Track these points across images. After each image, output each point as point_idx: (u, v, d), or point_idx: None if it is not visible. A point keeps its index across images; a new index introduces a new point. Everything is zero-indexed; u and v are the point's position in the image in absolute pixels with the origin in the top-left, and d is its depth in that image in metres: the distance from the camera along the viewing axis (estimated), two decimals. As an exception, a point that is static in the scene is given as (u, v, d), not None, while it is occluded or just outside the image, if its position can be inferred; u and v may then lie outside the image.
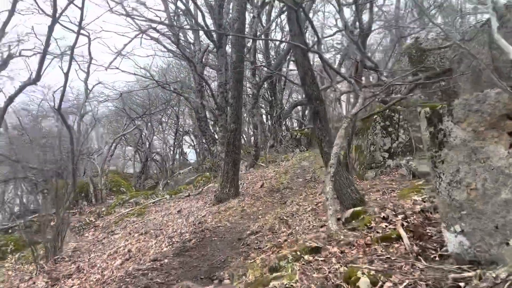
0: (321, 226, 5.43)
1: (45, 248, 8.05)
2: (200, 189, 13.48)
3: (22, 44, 13.75)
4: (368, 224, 4.37)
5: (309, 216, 6.30)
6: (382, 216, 4.38)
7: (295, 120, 30.23)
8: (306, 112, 28.01)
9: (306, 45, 4.84)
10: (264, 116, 21.92)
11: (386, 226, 4.22)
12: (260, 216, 7.45)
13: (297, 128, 27.22)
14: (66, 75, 7.70)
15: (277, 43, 17.82)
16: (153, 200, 13.40)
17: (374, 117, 8.74)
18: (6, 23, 10.23)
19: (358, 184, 7.86)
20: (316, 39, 5.83)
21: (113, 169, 21.46)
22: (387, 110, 8.60)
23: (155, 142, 30.60)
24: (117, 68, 12.95)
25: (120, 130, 18.52)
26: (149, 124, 23.35)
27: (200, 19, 13.71)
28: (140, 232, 8.49)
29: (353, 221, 4.82)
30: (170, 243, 6.26)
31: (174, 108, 22.85)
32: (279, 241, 5.17)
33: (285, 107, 22.68)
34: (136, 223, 10.74)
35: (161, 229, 8.22)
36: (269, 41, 16.29)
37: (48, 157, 14.76)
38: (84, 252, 8.73)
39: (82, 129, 13.95)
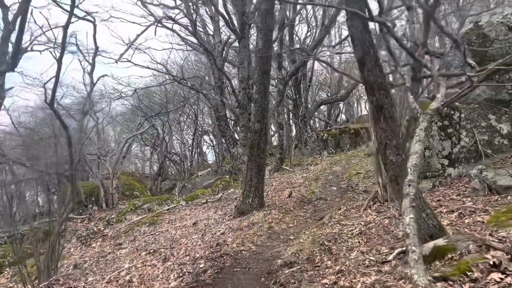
0: (383, 262, 3.98)
1: (37, 268, 6.83)
2: (219, 195, 12.17)
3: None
4: (468, 274, 2.91)
5: (359, 242, 4.86)
6: (491, 263, 2.91)
7: (319, 120, 28.66)
8: (332, 111, 26.46)
9: (369, 11, 3.41)
10: (286, 116, 20.43)
11: (501, 279, 2.76)
12: (292, 237, 6.04)
13: (322, 129, 25.68)
14: (59, 61, 6.49)
15: (303, 34, 16.31)
16: (168, 207, 12.15)
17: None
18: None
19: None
20: (378, 6, 4.42)
21: (129, 171, 20.37)
22: (445, 108, 7.07)
23: (173, 142, 29.61)
24: (129, 61, 11.77)
25: (134, 129, 17.39)
26: (167, 123, 22.24)
27: (220, 7, 12.37)
28: (148, 250, 7.20)
29: (438, 263, 3.37)
30: (180, 274, 4.92)
31: (193, 106, 21.64)
32: (326, 284, 3.75)
33: (310, 106, 21.20)
34: (147, 235, 9.50)
35: (173, 247, 6.91)
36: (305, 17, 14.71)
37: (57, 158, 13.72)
38: (84, 271, 7.51)
39: (90, 127, 12.80)
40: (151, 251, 7.04)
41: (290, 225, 6.77)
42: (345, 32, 21.66)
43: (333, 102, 22.32)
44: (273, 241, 6.00)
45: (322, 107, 26.46)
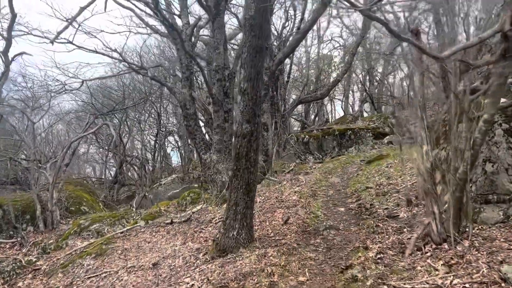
0: None
1: None
2: (188, 213, 9.75)
3: None
4: None
5: None
6: None
7: (294, 120, 26.57)
8: (311, 110, 24.51)
9: None
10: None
11: None
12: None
13: (297, 130, 23.63)
14: None
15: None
16: (121, 230, 9.55)
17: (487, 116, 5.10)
18: None
19: (476, 238, 4.30)
20: None
21: (77, 179, 17.35)
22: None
23: (134, 143, 26.62)
24: (71, 43, 9.07)
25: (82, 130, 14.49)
26: (125, 122, 19.42)
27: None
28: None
29: None
30: None
31: (155, 104, 18.94)
32: None
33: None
34: (89, 276, 6.94)
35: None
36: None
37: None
38: None
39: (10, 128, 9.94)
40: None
41: (301, 278, 4.46)
42: None
43: (312, 101, 20.29)
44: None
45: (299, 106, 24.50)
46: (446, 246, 4.26)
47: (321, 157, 14.69)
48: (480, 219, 4.84)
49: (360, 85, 29.87)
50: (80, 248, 8.90)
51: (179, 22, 11.36)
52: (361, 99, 27.89)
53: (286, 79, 18.76)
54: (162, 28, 11.43)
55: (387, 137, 15.34)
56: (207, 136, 11.19)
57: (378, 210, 6.53)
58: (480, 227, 4.64)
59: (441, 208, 4.38)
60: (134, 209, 12.01)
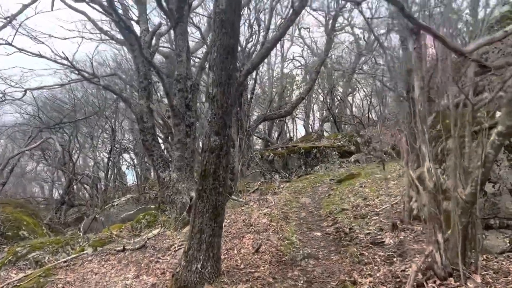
0: None
1: None
2: (144, 238, 8.70)
3: None
4: None
5: None
6: None
7: (257, 138, 25.91)
8: (274, 128, 24.02)
9: None
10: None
11: None
12: None
13: (260, 148, 22.96)
14: None
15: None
16: (65, 259, 8.30)
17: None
18: None
19: (486, 272, 3.71)
20: None
21: (18, 199, 15.59)
22: None
23: (87, 161, 24.88)
24: (10, 44, 7.88)
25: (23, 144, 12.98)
26: (76, 137, 17.93)
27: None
28: None
29: None
30: None
31: (110, 119, 17.64)
32: None
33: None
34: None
35: None
36: None
37: None
38: None
39: None
40: None
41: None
42: None
43: (276, 118, 19.76)
44: None
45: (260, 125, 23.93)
46: (452, 281, 3.61)
47: (287, 176, 14.04)
48: (483, 247, 4.26)
49: (320, 104, 29.95)
50: (14, 282, 7.60)
51: (137, 29, 10.46)
52: (322, 118, 27.87)
53: (250, 95, 18.14)
54: (118, 35, 10.47)
55: (353, 155, 14.98)
56: (166, 153, 10.20)
57: (359, 235, 5.86)
58: (485, 257, 4.04)
59: (447, 237, 3.75)
60: (81, 234, 10.69)
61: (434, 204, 3.72)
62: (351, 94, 28.11)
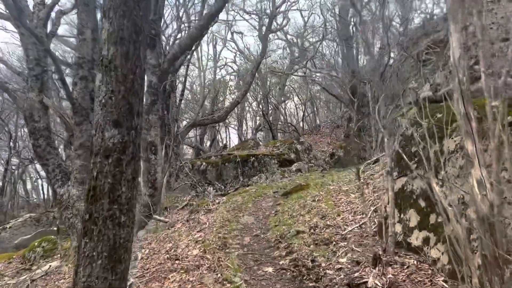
0: None
1: None
2: (33, 274, 6.46)
3: None
4: None
5: None
6: None
7: (187, 146, 23.77)
8: (206, 136, 22.16)
9: None
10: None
11: None
12: None
13: (192, 157, 20.91)
14: None
15: None
16: None
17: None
18: None
19: None
20: None
21: None
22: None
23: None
24: None
25: None
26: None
27: None
28: None
29: None
30: None
31: (6, 122, 14.56)
32: None
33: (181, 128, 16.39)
34: None
35: None
36: None
37: None
38: None
39: None
40: None
41: None
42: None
43: (209, 123, 17.94)
44: None
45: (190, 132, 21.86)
46: None
47: (223, 188, 12.23)
48: None
49: (252, 113, 28.71)
50: None
51: (31, 4, 8.13)
52: (255, 127, 26.65)
53: (179, 98, 16.14)
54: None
55: (294, 164, 13.60)
56: (67, 162, 7.91)
57: (328, 271, 4.24)
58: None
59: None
60: None
61: (488, 235, 2.20)
62: (283, 102, 27.17)
